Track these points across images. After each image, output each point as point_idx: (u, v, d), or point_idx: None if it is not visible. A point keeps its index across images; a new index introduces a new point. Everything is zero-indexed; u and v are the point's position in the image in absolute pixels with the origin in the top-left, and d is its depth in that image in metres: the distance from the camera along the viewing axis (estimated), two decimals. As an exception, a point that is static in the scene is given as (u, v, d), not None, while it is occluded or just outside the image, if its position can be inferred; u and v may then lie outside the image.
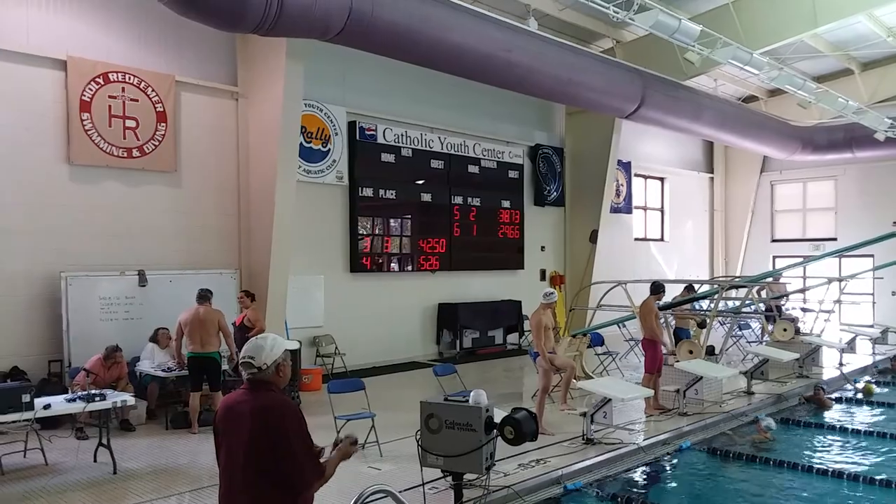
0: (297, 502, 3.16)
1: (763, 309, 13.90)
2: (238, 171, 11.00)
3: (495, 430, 3.44)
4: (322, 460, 3.23)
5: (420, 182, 13.79)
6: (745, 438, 8.50)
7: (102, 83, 9.60)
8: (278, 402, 3.18)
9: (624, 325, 12.31)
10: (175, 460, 7.16)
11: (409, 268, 13.62)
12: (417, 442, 3.56)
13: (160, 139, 10.14)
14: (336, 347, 11.97)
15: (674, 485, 7.17)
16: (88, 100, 9.47)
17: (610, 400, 7.78)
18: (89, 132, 9.49)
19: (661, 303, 9.82)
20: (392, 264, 13.38)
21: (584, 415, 7.68)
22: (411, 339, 13.75)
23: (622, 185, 18.35)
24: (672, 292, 13.63)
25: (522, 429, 3.33)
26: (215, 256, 10.66)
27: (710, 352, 11.42)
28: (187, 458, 7.26)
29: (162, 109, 10.14)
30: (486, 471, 3.48)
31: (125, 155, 9.82)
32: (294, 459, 3.06)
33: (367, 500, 4.27)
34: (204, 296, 8.34)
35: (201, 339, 8.16)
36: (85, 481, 6.47)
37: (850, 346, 13.56)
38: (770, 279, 14.89)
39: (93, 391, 6.95)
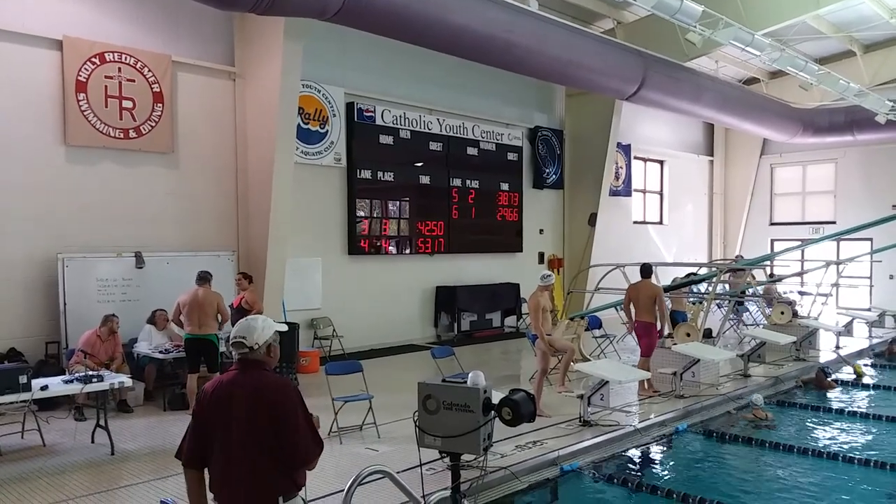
0: (294, 476, 3.19)
1: (761, 292, 13.91)
2: (236, 153, 10.94)
3: (493, 412, 3.44)
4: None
5: (419, 164, 13.74)
6: (746, 418, 8.54)
7: (98, 63, 9.52)
8: (274, 380, 3.22)
9: (621, 308, 12.29)
10: (173, 442, 7.10)
11: (408, 250, 13.60)
12: (415, 423, 3.55)
13: (157, 120, 10.07)
14: (334, 330, 11.98)
15: (670, 466, 7.20)
16: (84, 80, 9.39)
17: (607, 382, 7.80)
18: (85, 113, 9.42)
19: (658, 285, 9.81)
20: (390, 247, 13.36)
21: (581, 397, 7.70)
22: (409, 321, 13.76)
23: (621, 167, 18.29)
24: (671, 274, 13.64)
25: (520, 410, 3.33)
26: (213, 238, 10.63)
27: (708, 335, 11.45)
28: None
29: (159, 90, 10.06)
30: (484, 451, 3.48)
31: (122, 136, 9.76)
32: (297, 434, 3.10)
33: (365, 480, 4.28)
34: (203, 277, 8.32)
35: (199, 321, 8.14)
36: (82, 462, 6.49)
37: (847, 330, 13.60)
38: (730, 273, 14.59)
39: (90, 372, 6.95)
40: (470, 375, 3.60)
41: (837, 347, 12.73)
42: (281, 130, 10.28)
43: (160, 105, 10.08)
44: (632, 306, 9.51)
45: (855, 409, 9.25)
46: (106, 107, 9.59)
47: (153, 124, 10.04)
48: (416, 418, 3.67)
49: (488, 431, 3.60)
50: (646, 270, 9.49)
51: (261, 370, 3.22)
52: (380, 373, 9.33)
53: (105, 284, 9.31)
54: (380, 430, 7.19)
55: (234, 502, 3.18)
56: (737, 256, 19.63)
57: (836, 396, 10.05)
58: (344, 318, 12.20)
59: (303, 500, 3.28)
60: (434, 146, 13.94)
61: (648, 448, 7.48)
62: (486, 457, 3.64)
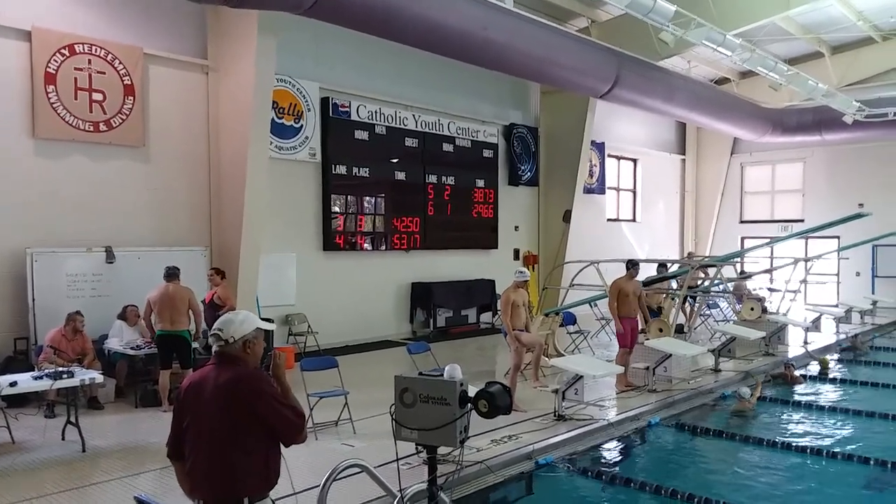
0: (268, 471, 3.19)
1: (732, 289, 14.12)
2: (209, 147, 10.82)
3: (469, 404, 3.46)
4: None
5: (394, 160, 13.71)
6: (727, 410, 8.69)
7: (68, 55, 9.34)
8: (247, 374, 3.19)
9: (595, 305, 12.42)
10: (144, 439, 7.09)
11: (383, 247, 13.58)
12: (391, 416, 3.56)
13: (128, 113, 9.92)
14: (309, 326, 11.92)
15: (643, 459, 7.30)
16: (54, 72, 9.21)
17: (581, 377, 7.87)
18: (55, 105, 9.25)
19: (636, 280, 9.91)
20: (365, 243, 13.32)
21: (555, 392, 7.77)
22: (385, 317, 13.74)
23: (595, 165, 18.44)
24: (645, 271, 13.78)
25: (496, 402, 3.35)
26: (185, 233, 10.51)
27: (679, 330, 11.62)
28: (157, 436, 7.15)
29: (130, 83, 9.91)
30: (461, 444, 3.50)
31: (92, 129, 9.60)
32: (278, 418, 3.11)
33: (341, 475, 4.28)
34: (172, 273, 8.25)
35: (171, 317, 8.09)
36: (53, 459, 6.39)
37: (815, 325, 13.87)
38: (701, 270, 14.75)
39: (60, 369, 6.84)
40: (446, 368, 3.62)
41: (805, 343, 12.98)
42: (255, 125, 10.19)
43: (131, 98, 9.93)
44: (616, 302, 9.52)
45: (822, 403, 9.44)
46: (76, 99, 9.42)
47: (124, 117, 9.89)
48: (392, 412, 3.68)
49: (465, 424, 3.62)
50: (632, 266, 9.56)
51: (235, 365, 3.18)
52: (355, 369, 9.30)
53: (75, 280, 9.16)
54: (355, 426, 7.19)
55: (199, 496, 3.17)
56: (689, 254, 19.91)
57: (802, 391, 10.25)
58: (319, 315, 12.14)
59: (272, 500, 3.25)
60: (409, 142, 13.93)
61: (622, 441, 7.57)
62: (463, 451, 3.65)
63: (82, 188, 9.59)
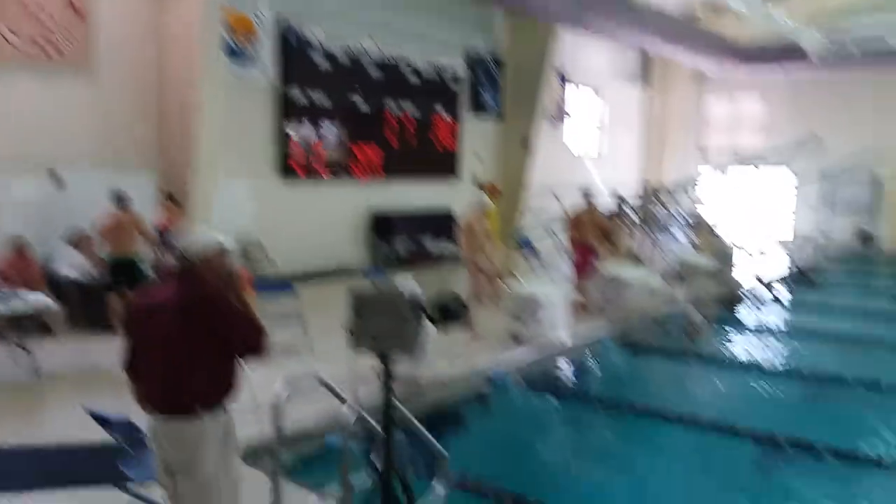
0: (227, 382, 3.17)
1: (687, 218, 14.36)
2: (158, 69, 10.37)
3: (424, 313, 3.46)
4: None
5: (354, 87, 13.36)
6: (679, 334, 8.94)
7: (3, -34, 8.77)
8: (204, 287, 3.15)
9: (555, 233, 12.50)
10: (96, 363, 6.99)
11: (343, 176, 13.35)
12: (347, 329, 3.55)
13: (73, 33, 9.40)
14: (266, 254, 11.73)
15: (596, 378, 7.50)
16: (-11, -15, 8.66)
17: (539, 301, 7.97)
18: (-9, 21, 8.72)
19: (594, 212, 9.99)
20: (325, 172, 13.07)
21: (513, 316, 7.86)
22: (344, 247, 13.62)
23: (559, 96, 18.27)
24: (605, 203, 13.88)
25: (450, 308, 3.36)
26: (133, 158, 10.16)
27: (635, 259, 11.81)
28: (110, 361, 7.09)
29: (77, 2, 9.36)
30: (417, 354, 3.50)
31: (35, 50, 9.10)
32: (237, 327, 3.10)
33: (295, 393, 4.28)
34: (121, 198, 8.04)
35: (121, 243, 7.93)
36: (6, 385, 6.28)
37: (768, 254, 14.24)
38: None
39: (8, 291, 6.66)
40: (401, 279, 3.59)
41: (756, 271, 13.32)
42: (207, 48, 9.79)
43: (76, 17, 9.40)
44: (574, 231, 9.59)
45: (770, 326, 9.77)
46: (17, 18, 8.88)
47: (69, 37, 9.38)
48: (347, 325, 3.65)
49: (420, 335, 3.61)
50: (588, 195, 9.62)
51: (193, 281, 3.14)
52: (312, 295, 9.25)
53: (18, 205, 8.85)
54: (313, 348, 7.19)
55: (152, 407, 3.14)
56: (648, 184, 19.80)
57: (750, 315, 10.59)
58: (276, 244, 11.94)
59: (227, 411, 3.23)
60: (370, 69, 13.56)
61: (576, 362, 7.76)
62: (419, 371, 3.67)
63: (25, 110, 9.13)
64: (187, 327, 3.04)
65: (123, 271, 7.96)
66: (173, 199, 9.36)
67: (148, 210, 9.07)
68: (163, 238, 8.75)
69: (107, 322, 8.04)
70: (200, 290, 3.12)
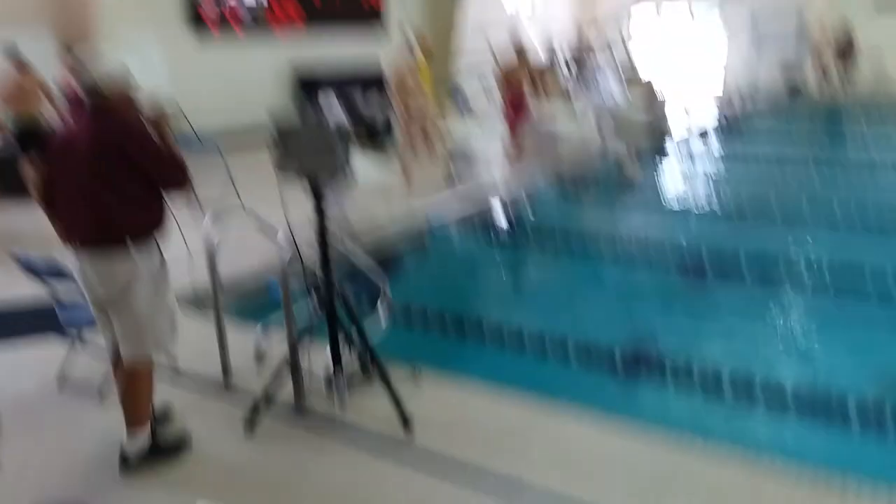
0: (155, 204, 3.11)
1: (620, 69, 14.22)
2: None
3: (350, 136, 3.32)
4: None
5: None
6: (612, 179, 9.07)
7: None
8: (123, 118, 3.06)
9: (487, 82, 12.16)
10: (19, 227, 6.67)
11: (260, 31, 12.41)
12: (270, 153, 3.39)
13: None
14: (182, 112, 11.01)
15: (531, 220, 7.62)
16: None
17: (472, 150, 7.91)
18: None
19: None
20: (240, 25, 12.09)
21: (448, 164, 7.79)
22: (265, 106, 12.85)
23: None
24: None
25: (377, 128, 3.20)
26: (22, 10, 9.26)
27: (568, 106, 11.74)
28: (30, 224, 6.78)
29: None
30: (344, 176, 3.37)
31: None
32: (155, 158, 3.05)
33: (225, 226, 4.15)
34: (14, 54, 7.49)
35: (25, 107, 7.53)
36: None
37: (698, 105, 14.38)
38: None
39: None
40: (322, 99, 3.40)
41: (687, 120, 13.49)
42: None
43: None
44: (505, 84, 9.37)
45: (697, 172, 10.08)
46: None
47: None
48: (271, 151, 3.48)
49: (346, 158, 3.45)
50: (518, 47, 9.37)
51: (110, 114, 3.03)
52: (233, 153, 8.87)
53: None
54: (242, 203, 6.94)
55: (78, 241, 3.03)
56: (579, 33, 19.21)
57: (679, 161, 10.87)
58: (192, 102, 11.13)
59: (156, 243, 3.10)
60: None
61: (512, 205, 7.83)
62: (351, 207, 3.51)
63: None
64: (106, 159, 2.96)
65: (31, 136, 7.52)
66: (71, 53, 8.65)
67: (48, 70, 8.37)
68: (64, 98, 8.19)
69: (23, 188, 7.63)
70: (115, 122, 3.02)
